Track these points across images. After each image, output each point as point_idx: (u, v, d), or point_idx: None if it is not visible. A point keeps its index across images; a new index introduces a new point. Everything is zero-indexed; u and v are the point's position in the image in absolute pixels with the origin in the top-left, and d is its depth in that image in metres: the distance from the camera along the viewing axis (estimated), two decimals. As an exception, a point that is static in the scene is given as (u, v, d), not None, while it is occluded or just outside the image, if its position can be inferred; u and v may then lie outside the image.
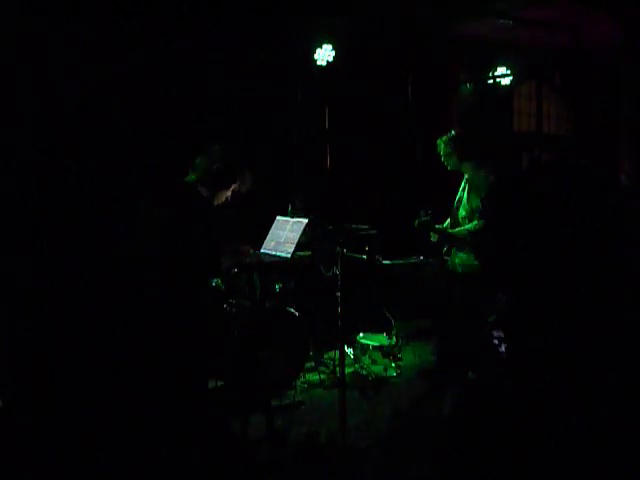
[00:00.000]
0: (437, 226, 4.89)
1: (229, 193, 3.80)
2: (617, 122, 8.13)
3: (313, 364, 5.33)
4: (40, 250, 4.85)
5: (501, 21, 7.08)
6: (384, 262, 5.80)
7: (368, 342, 5.37)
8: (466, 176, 4.85)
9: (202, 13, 5.80)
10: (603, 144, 8.14)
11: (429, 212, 4.80)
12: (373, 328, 5.58)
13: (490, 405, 1.89)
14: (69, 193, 5.14)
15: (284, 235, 4.63)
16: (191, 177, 3.67)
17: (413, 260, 5.84)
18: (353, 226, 5.29)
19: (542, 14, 7.02)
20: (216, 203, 3.75)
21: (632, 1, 7.05)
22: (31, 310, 4.60)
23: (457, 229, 4.81)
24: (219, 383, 4.56)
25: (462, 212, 4.78)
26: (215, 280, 4.75)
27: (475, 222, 4.65)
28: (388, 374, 5.25)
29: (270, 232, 4.83)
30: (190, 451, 3.37)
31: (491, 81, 7.84)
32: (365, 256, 5.63)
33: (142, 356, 3.41)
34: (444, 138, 4.83)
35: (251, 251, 4.41)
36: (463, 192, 4.84)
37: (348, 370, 5.12)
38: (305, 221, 4.57)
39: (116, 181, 5.25)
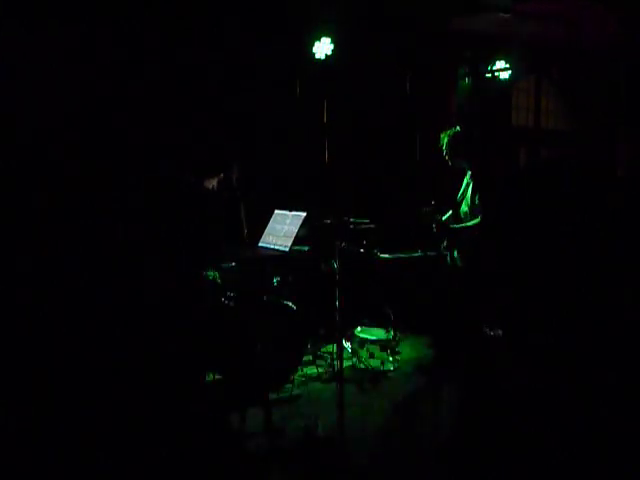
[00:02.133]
0: (437, 218, 4.87)
1: (215, 182, 3.78)
2: (616, 117, 8.13)
3: (311, 357, 5.34)
4: (40, 250, 4.84)
5: (500, 15, 7.06)
6: (382, 256, 5.83)
7: (366, 336, 5.39)
8: (469, 172, 4.81)
9: (202, 10, 5.78)
10: (602, 139, 8.14)
11: (431, 204, 4.79)
12: (371, 322, 5.59)
13: (490, 405, 1.91)
14: (69, 193, 5.12)
15: (282, 229, 4.64)
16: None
17: (411, 254, 5.85)
18: (351, 220, 5.33)
19: (541, 8, 7.00)
20: None
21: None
22: (31, 310, 4.59)
23: (459, 225, 4.78)
24: (216, 377, 4.57)
25: (464, 208, 4.75)
26: (212, 274, 4.74)
27: (478, 219, 4.61)
28: (385, 368, 5.26)
29: (268, 226, 4.84)
30: (190, 450, 3.38)
31: (490, 75, 7.82)
32: (363, 249, 5.66)
33: (142, 356, 3.42)
34: (449, 132, 4.75)
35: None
36: (467, 188, 4.78)
37: (346, 364, 5.13)
38: (303, 215, 4.59)
39: (116, 181, 5.24)
